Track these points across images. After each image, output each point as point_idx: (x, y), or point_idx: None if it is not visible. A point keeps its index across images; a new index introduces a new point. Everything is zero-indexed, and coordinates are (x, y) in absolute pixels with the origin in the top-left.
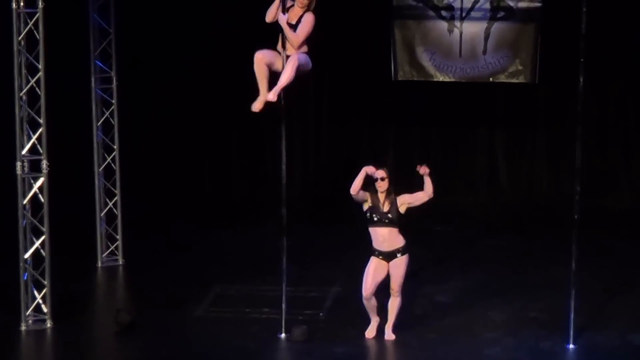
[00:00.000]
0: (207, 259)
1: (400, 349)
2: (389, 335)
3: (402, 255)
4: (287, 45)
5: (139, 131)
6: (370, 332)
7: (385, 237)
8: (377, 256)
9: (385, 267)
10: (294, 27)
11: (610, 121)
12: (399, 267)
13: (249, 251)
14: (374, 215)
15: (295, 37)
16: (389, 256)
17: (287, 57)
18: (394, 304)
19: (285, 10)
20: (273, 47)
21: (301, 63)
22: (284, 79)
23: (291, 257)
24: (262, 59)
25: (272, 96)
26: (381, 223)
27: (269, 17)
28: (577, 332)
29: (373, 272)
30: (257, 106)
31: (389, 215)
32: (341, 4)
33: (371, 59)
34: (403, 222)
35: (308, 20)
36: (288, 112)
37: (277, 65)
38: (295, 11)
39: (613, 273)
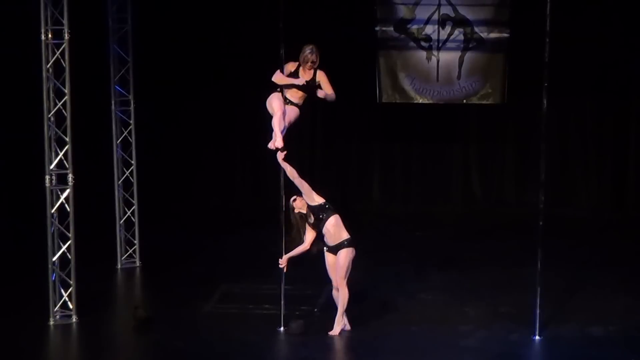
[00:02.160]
0: (214, 261)
1: (384, 340)
2: (334, 329)
3: (343, 248)
4: (289, 94)
5: (154, 148)
6: (334, 330)
7: (327, 232)
8: (327, 250)
9: (334, 259)
10: (309, 84)
11: (571, 139)
12: (338, 260)
13: (251, 254)
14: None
15: (332, 96)
16: (334, 249)
17: (291, 103)
18: (338, 295)
19: (291, 75)
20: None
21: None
22: (279, 128)
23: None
24: (282, 113)
25: (279, 143)
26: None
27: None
28: (542, 325)
29: (328, 265)
30: (273, 145)
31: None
32: (332, 36)
33: (359, 85)
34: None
35: (326, 75)
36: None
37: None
38: (307, 72)
39: (573, 273)
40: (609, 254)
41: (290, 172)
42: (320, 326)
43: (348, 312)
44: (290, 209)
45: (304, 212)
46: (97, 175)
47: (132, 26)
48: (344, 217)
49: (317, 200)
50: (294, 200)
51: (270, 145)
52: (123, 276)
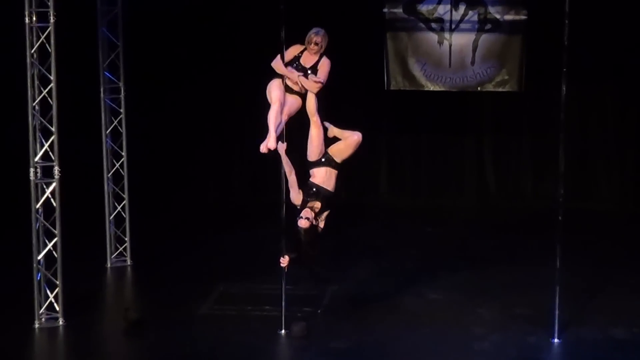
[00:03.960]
0: (211, 259)
1: (394, 343)
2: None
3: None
4: (290, 82)
5: (146, 139)
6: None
7: (323, 180)
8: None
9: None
10: (308, 70)
11: (591, 128)
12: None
13: (250, 252)
14: None
15: (315, 85)
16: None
17: (292, 91)
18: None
19: (294, 59)
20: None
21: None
22: (276, 128)
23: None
24: (280, 106)
25: (272, 144)
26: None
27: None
28: (562, 327)
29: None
30: (265, 147)
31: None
32: (337, 18)
33: (365, 70)
34: None
35: (327, 65)
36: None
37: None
38: (310, 57)
39: (595, 271)
40: (632, 250)
41: (289, 169)
42: (324, 329)
43: (359, 313)
44: (302, 230)
45: (315, 213)
46: (85, 168)
47: (122, 8)
48: (348, 210)
49: (300, 196)
50: (307, 216)
51: (263, 148)
52: (113, 276)
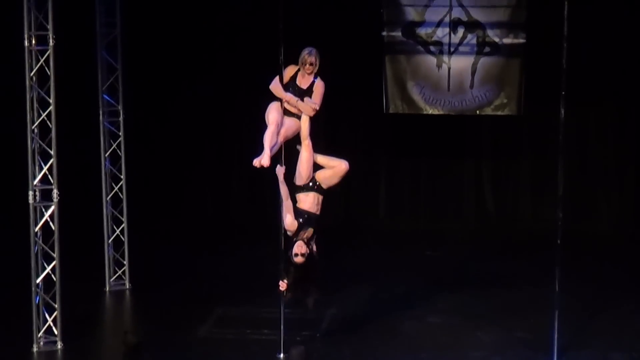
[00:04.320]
0: (210, 282)
1: None
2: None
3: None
4: (287, 104)
5: (145, 161)
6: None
7: (311, 203)
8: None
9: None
10: (304, 92)
11: (590, 150)
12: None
13: (249, 274)
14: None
15: (311, 109)
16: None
17: (290, 114)
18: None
19: (290, 80)
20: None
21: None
22: (273, 148)
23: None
24: (277, 127)
25: (266, 161)
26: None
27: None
28: (561, 350)
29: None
30: (258, 163)
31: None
32: (335, 41)
33: (364, 93)
34: None
35: (321, 87)
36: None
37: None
38: (305, 78)
39: (594, 294)
40: (632, 273)
41: (285, 194)
42: (323, 353)
43: (359, 337)
44: (299, 265)
45: (307, 241)
46: (84, 191)
47: (121, 31)
48: (347, 234)
49: (296, 223)
50: (302, 252)
51: (256, 163)
52: (112, 299)
